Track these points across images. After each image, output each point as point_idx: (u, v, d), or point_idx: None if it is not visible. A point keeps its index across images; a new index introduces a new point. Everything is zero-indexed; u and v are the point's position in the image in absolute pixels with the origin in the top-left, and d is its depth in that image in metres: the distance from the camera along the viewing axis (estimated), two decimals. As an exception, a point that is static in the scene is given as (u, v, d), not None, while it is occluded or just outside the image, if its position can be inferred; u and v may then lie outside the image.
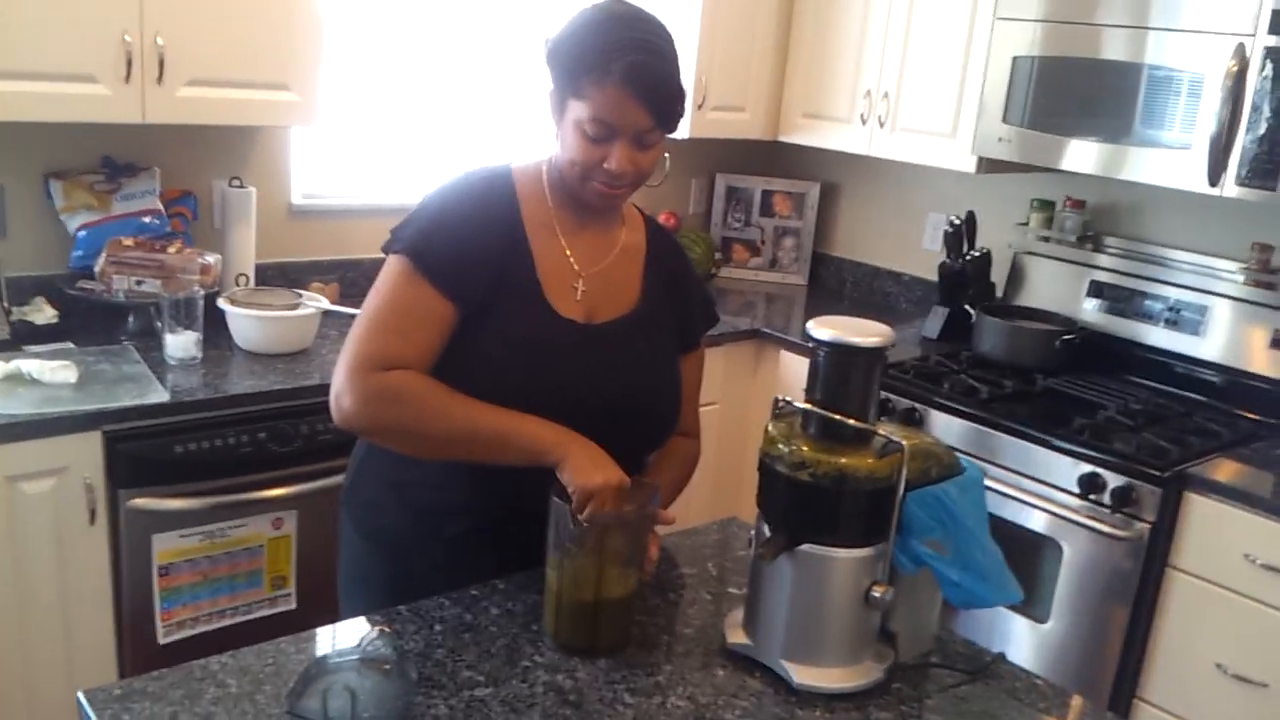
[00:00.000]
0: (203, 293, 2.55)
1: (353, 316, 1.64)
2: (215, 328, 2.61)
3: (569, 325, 1.63)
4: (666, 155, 1.66)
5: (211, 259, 2.68)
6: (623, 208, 1.75)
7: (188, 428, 2.32)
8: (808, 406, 1.43)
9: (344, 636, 1.46)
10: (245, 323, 2.59)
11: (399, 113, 3.23)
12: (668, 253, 1.79)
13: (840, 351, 1.41)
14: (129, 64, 2.38)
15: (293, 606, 2.52)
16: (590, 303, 1.67)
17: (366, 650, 1.39)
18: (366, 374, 1.54)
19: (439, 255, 1.57)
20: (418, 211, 1.63)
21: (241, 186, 2.82)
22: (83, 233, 2.66)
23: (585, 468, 1.47)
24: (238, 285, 2.78)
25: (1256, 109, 2.50)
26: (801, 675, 1.43)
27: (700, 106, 3.45)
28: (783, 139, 3.67)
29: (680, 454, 1.80)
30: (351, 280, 3.14)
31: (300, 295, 2.71)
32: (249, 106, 2.58)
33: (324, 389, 2.37)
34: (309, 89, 2.65)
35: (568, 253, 1.66)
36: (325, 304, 2.70)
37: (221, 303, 2.60)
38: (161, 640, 2.38)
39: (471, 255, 1.58)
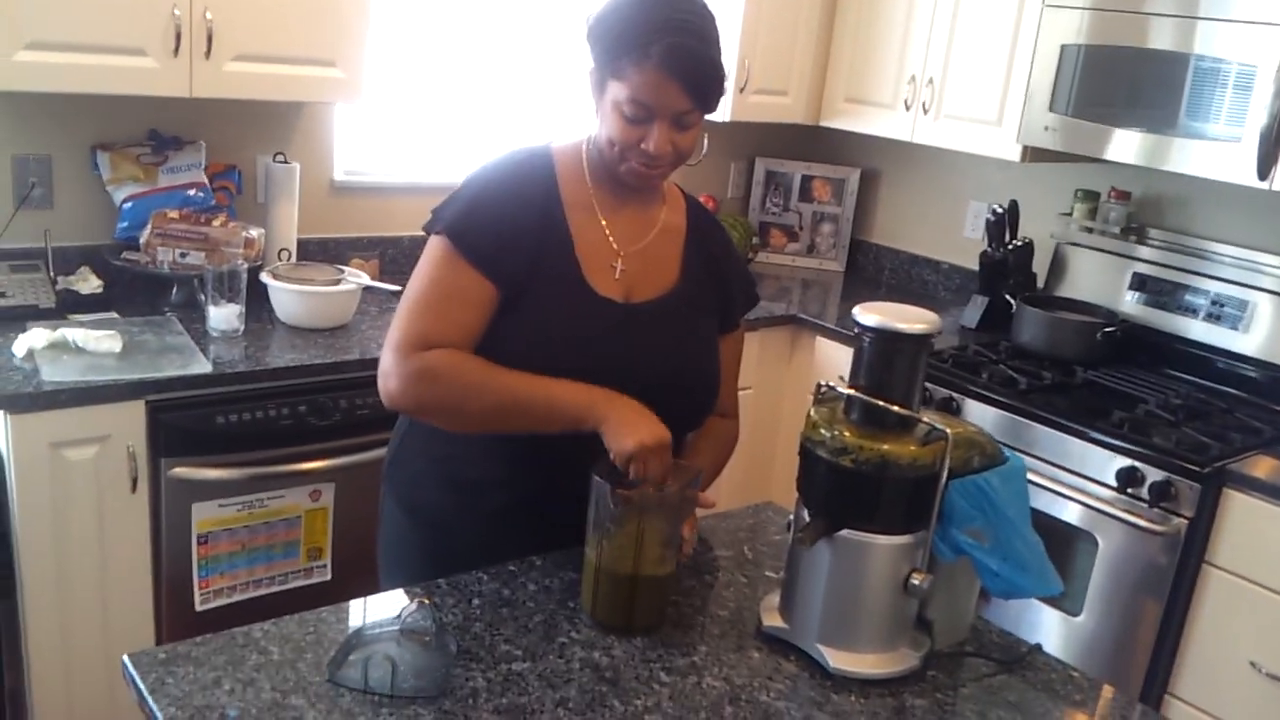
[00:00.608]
0: (246, 266, 2.57)
1: (392, 293, 1.67)
2: (257, 301, 2.63)
3: (608, 304, 1.64)
4: (705, 135, 1.65)
5: (255, 233, 2.70)
6: (663, 186, 1.74)
7: (229, 399, 2.34)
8: (851, 392, 1.42)
9: (384, 607, 1.48)
10: (287, 297, 2.61)
11: (442, 91, 3.24)
12: (708, 233, 1.79)
13: (887, 338, 1.40)
14: (178, 38, 2.40)
15: (328, 578, 2.55)
16: (629, 282, 1.67)
17: (406, 622, 1.41)
18: (409, 354, 1.56)
19: (479, 236, 1.58)
20: (459, 191, 1.64)
21: (285, 162, 2.84)
22: (128, 204, 2.69)
23: (623, 430, 1.48)
24: (280, 260, 2.80)
25: (1310, 102, 2.46)
26: (837, 660, 1.43)
27: (742, 90, 3.43)
28: (824, 124, 3.65)
29: (719, 435, 1.80)
30: (391, 257, 3.16)
31: (342, 271, 2.72)
32: (294, 82, 2.60)
33: (363, 364, 2.44)
34: (354, 66, 2.66)
35: (607, 232, 1.66)
36: (366, 280, 2.72)
37: (264, 277, 2.62)
38: (199, 608, 2.41)
39: (511, 235, 1.59)
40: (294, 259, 2.83)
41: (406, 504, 1.76)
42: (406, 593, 1.53)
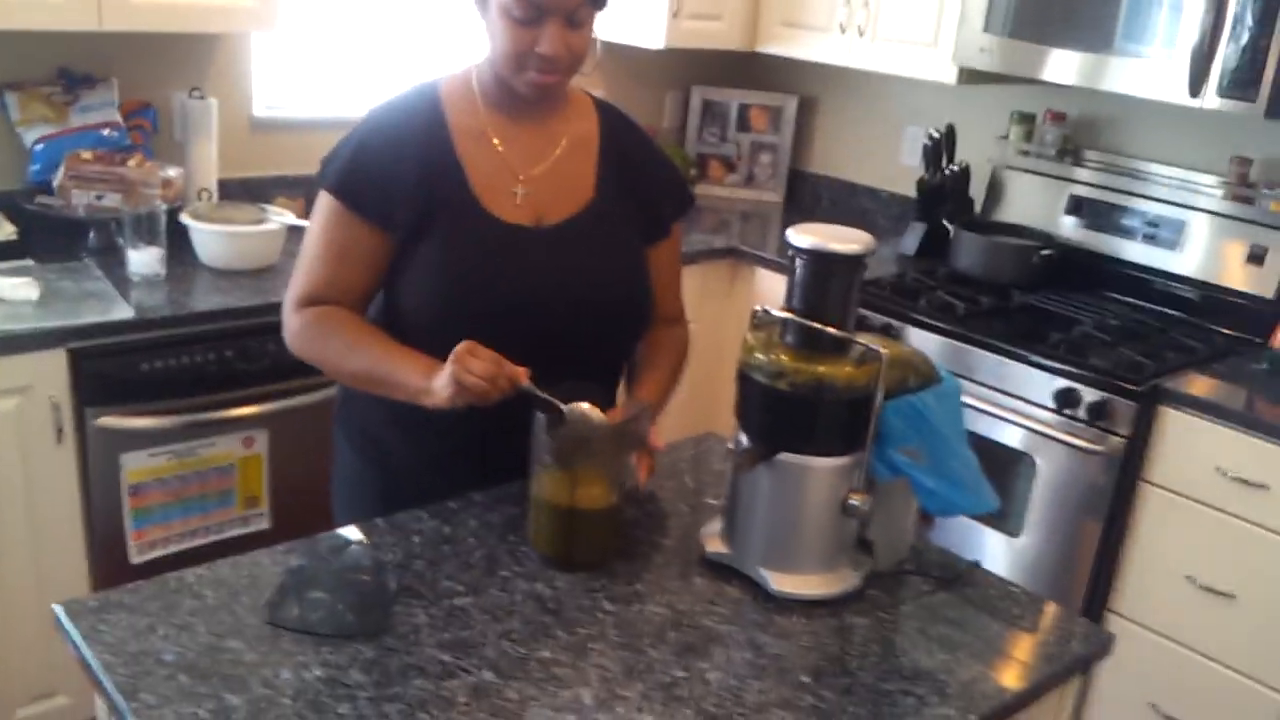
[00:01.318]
0: (165, 208, 2.49)
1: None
2: (178, 244, 2.55)
3: (514, 231, 1.60)
4: (597, 38, 1.59)
5: (173, 173, 2.61)
6: (567, 97, 1.68)
7: (154, 345, 2.28)
8: (786, 315, 1.41)
9: (322, 549, 1.44)
10: (209, 238, 2.53)
11: (361, 18, 3.13)
12: (625, 138, 1.72)
13: (820, 259, 1.38)
14: (83, -32, 2.29)
15: (266, 526, 2.51)
16: (536, 205, 1.62)
17: (344, 561, 1.39)
18: (294, 310, 1.60)
19: (362, 186, 1.57)
20: (342, 142, 1.62)
21: (202, 98, 2.74)
22: (40, 146, 2.58)
23: (439, 394, 1.42)
24: (200, 200, 2.72)
25: (1238, 18, 2.46)
26: (779, 582, 1.43)
27: (675, 15, 3.37)
28: (760, 49, 3.60)
29: (669, 343, 1.78)
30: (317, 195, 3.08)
31: (265, 210, 2.65)
32: (208, 13, 2.50)
33: None
34: (271, -5, 2.57)
35: (504, 157, 1.62)
36: (290, 219, 2.65)
37: (185, 218, 2.54)
38: (134, 560, 2.36)
39: (395, 180, 1.56)
40: (215, 199, 2.75)
41: (356, 442, 1.74)
42: (344, 533, 1.50)
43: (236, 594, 1.33)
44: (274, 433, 2.45)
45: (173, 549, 2.40)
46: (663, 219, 1.75)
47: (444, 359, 1.44)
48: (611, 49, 3.65)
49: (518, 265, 1.59)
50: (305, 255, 1.61)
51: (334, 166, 1.60)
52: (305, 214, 2.86)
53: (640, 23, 3.44)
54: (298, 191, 3.02)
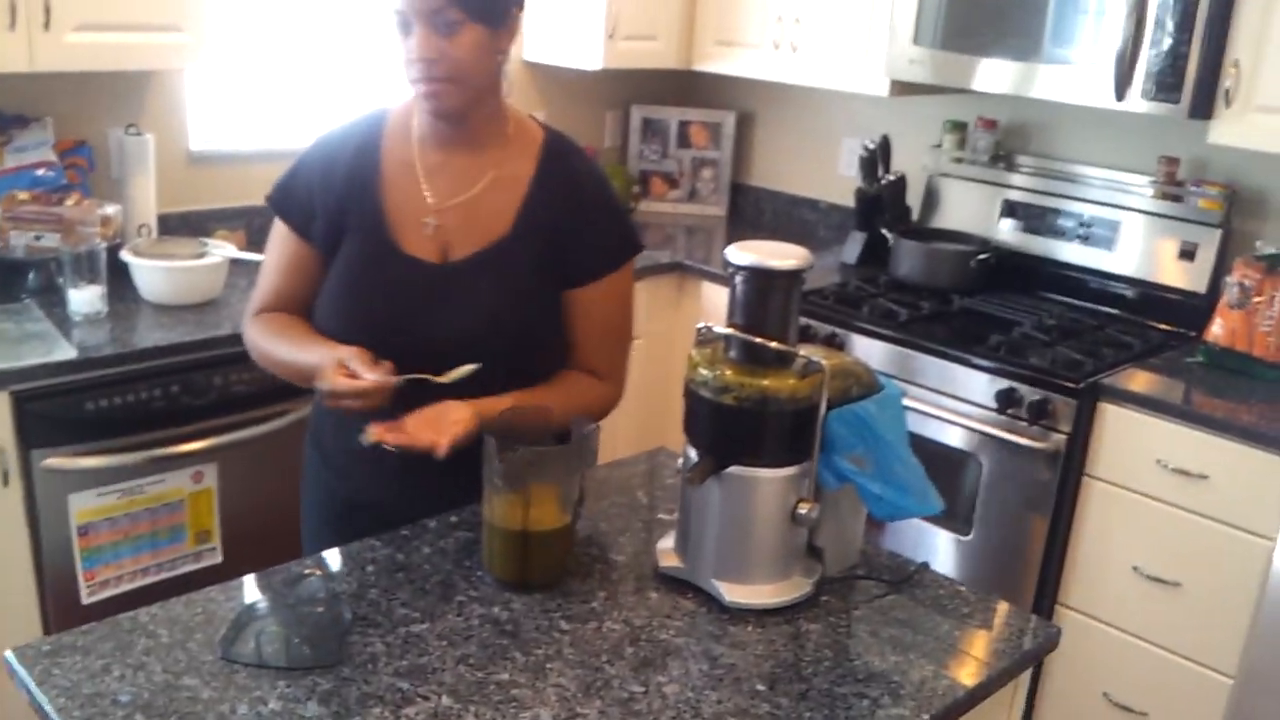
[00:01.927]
0: (104, 245, 2.47)
1: (259, 264, 1.77)
2: (119, 281, 2.53)
3: (412, 263, 1.62)
4: (502, 56, 1.59)
5: (111, 210, 2.59)
6: (504, 131, 1.65)
7: (98, 384, 2.25)
8: (729, 331, 1.43)
9: (275, 583, 1.45)
10: (150, 274, 2.51)
11: (296, 51, 3.13)
12: (563, 180, 1.66)
13: (759, 275, 1.41)
14: (13, 11, 2.27)
15: (219, 560, 2.49)
16: (446, 238, 1.62)
17: (298, 594, 1.39)
18: (249, 319, 1.73)
19: (291, 201, 1.69)
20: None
21: (139, 134, 2.72)
22: (-26, 188, 2.55)
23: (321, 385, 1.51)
24: (140, 236, 2.69)
25: (1159, 23, 2.53)
26: (733, 593, 1.45)
27: (611, 36, 3.40)
28: (696, 68, 3.64)
29: (569, 385, 1.68)
30: (259, 227, 3.05)
31: (205, 244, 2.63)
32: (140, 50, 2.48)
33: (235, 339, 2.33)
34: (201, 29, 2.55)
35: (423, 188, 1.63)
36: (232, 251, 2.63)
37: (125, 255, 2.52)
38: (85, 600, 2.33)
39: (321, 195, 1.66)
40: (155, 234, 2.73)
41: (315, 443, 1.81)
42: (297, 565, 1.50)
43: (190, 631, 1.33)
44: (223, 466, 2.44)
45: (125, 588, 2.38)
46: (585, 265, 1.66)
47: None
48: (549, 71, 3.68)
49: (406, 297, 1.61)
50: (262, 270, 1.75)
51: (277, 185, 1.73)
52: (246, 246, 2.87)
53: (577, 45, 3.46)
54: (238, 224, 3.01)
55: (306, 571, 1.46)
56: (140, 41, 2.47)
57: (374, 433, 1.48)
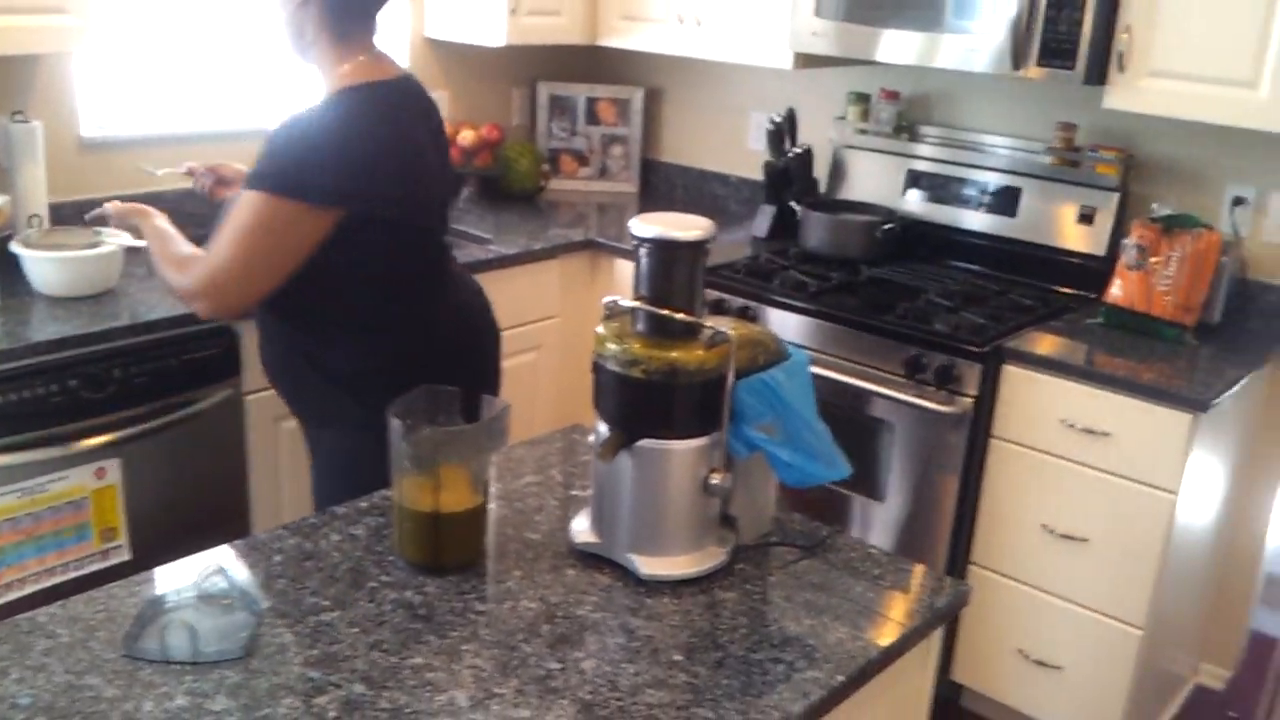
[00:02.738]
0: (-7, 237, 2.38)
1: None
2: (10, 274, 2.44)
3: None
4: (294, 17, 1.89)
5: (0, 200, 2.50)
6: (333, 77, 1.91)
7: (-9, 381, 2.18)
8: (636, 304, 1.43)
9: (179, 577, 1.41)
10: (42, 265, 2.42)
11: (185, 33, 3.04)
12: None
13: (663, 247, 1.41)
14: (-119, -9, 2.17)
15: (127, 558, 2.42)
16: None
17: (203, 587, 1.36)
18: None
19: None
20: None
21: (25, 121, 2.62)
22: None
23: None
24: (30, 227, 2.60)
25: (1053, -9, 2.58)
26: (648, 566, 1.45)
27: (514, 11, 3.37)
28: (602, 43, 3.62)
29: (188, 249, 2.01)
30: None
31: (100, 232, 2.55)
32: (25, 33, 2.38)
33: (134, 329, 2.32)
34: (87, 11, 2.46)
35: None
36: (127, 240, 2.55)
37: (14, 246, 2.43)
38: (-13, 606, 2.26)
39: None
40: (46, 224, 2.63)
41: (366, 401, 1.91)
42: (201, 558, 1.47)
43: (92, 630, 1.29)
44: (127, 461, 2.37)
45: (30, 590, 2.30)
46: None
47: None
48: (452, 48, 3.63)
49: None
50: None
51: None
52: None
53: (479, 21, 3.42)
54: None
55: (212, 563, 1.43)
56: (24, 24, 2.37)
57: None
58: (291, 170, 1.80)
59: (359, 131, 1.84)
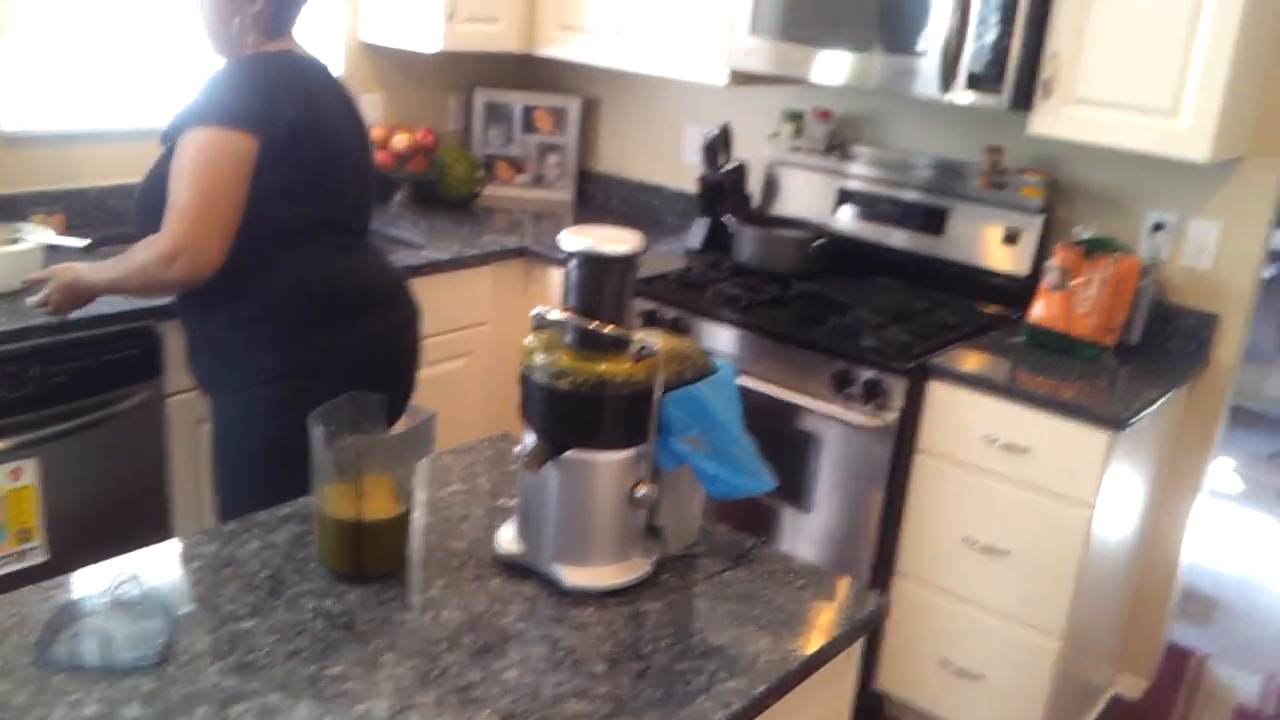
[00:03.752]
0: (-93, 233, 2.32)
1: (81, 249, 2.00)
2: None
3: None
4: (234, 24, 1.99)
5: (-85, 195, 2.43)
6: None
7: (-99, 380, 2.11)
8: (564, 316, 1.44)
9: (92, 582, 1.38)
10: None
11: (106, 25, 2.98)
12: None
13: (592, 261, 1.42)
14: None
15: (44, 559, 2.37)
16: None
17: (117, 593, 1.33)
18: None
19: None
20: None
21: (-57, 114, 2.56)
22: None
23: None
24: (-50, 222, 2.54)
25: (983, 19, 2.63)
26: (572, 576, 1.45)
27: (451, 18, 3.35)
28: (539, 53, 3.62)
29: (133, 248, 1.98)
30: (79, 210, 2.91)
31: (19, 229, 2.49)
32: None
33: (50, 329, 2.27)
34: (8, 3, 2.41)
35: None
36: (50, 236, 2.49)
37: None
38: (-108, 610, 2.18)
39: None
40: (-34, 220, 2.57)
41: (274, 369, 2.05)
42: (116, 563, 1.44)
43: (4, 635, 1.26)
44: (44, 461, 2.31)
45: (-63, 595, 2.24)
46: (166, 129, 1.97)
47: None
48: (387, 53, 3.61)
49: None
50: None
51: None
52: (66, 230, 2.73)
53: (416, 26, 3.40)
54: (57, 207, 2.86)
55: (127, 570, 1.40)
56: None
57: None
58: (214, 104, 1.92)
59: (270, 73, 1.99)
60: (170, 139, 1.94)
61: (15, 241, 2.44)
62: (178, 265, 1.88)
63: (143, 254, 1.94)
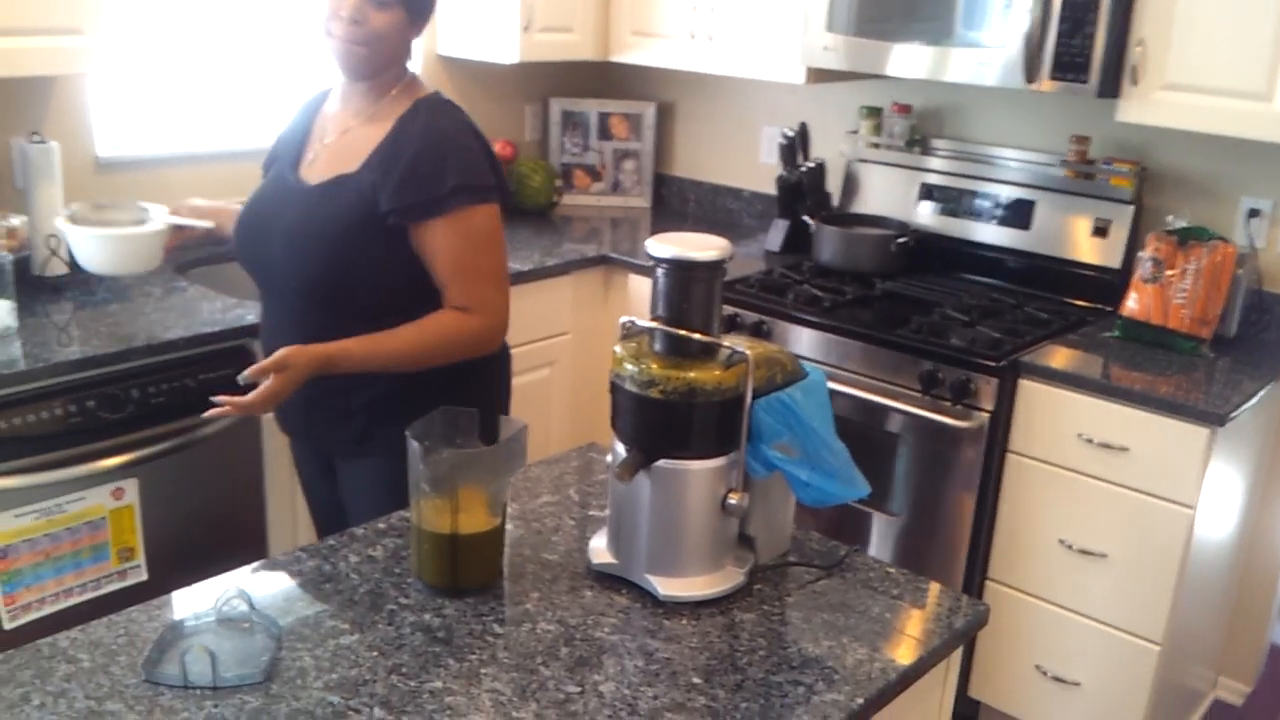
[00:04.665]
0: (10, 258, 2.39)
1: (203, 230, 2.22)
2: (29, 291, 2.45)
3: (285, 183, 1.94)
4: (409, 44, 1.93)
5: (16, 221, 2.51)
6: (394, 84, 1.92)
7: (10, 402, 2.18)
8: (653, 325, 1.43)
9: (198, 600, 1.41)
10: (89, 242, 2.36)
11: (199, 52, 3.06)
12: (408, 130, 1.87)
13: (680, 267, 1.42)
14: (-100, 15, 2.19)
15: (145, 578, 2.43)
16: (317, 168, 1.92)
17: (223, 611, 1.36)
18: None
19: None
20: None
21: (42, 141, 2.63)
22: None
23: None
24: (49, 249, 2.61)
25: (1067, 3, 2.58)
26: (666, 587, 1.45)
27: (527, 29, 3.38)
28: (614, 59, 3.63)
29: (425, 322, 1.86)
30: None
31: (144, 208, 2.46)
32: (40, 55, 2.40)
33: (150, 350, 2.33)
34: (102, 32, 2.48)
35: (325, 128, 1.96)
36: (174, 218, 2.36)
37: (61, 222, 2.40)
38: (8, 625, 2.26)
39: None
40: (63, 246, 2.63)
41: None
42: (220, 581, 1.47)
43: (113, 654, 1.29)
44: (143, 481, 2.38)
45: (48, 610, 2.31)
46: (397, 200, 1.83)
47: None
48: (465, 65, 3.65)
49: (271, 211, 1.93)
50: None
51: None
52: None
53: (492, 38, 3.43)
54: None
55: (231, 587, 1.43)
56: (40, 46, 2.39)
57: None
58: (478, 174, 1.89)
59: (473, 130, 1.95)
60: (421, 213, 1.83)
61: (142, 222, 2.43)
62: (495, 340, 1.93)
63: (450, 329, 1.86)
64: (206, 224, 2.28)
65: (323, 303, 1.88)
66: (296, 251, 1.87)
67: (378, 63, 1.87)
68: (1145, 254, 2.72)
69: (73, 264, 2.52)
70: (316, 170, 1.92)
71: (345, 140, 1.91)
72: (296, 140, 2.00)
